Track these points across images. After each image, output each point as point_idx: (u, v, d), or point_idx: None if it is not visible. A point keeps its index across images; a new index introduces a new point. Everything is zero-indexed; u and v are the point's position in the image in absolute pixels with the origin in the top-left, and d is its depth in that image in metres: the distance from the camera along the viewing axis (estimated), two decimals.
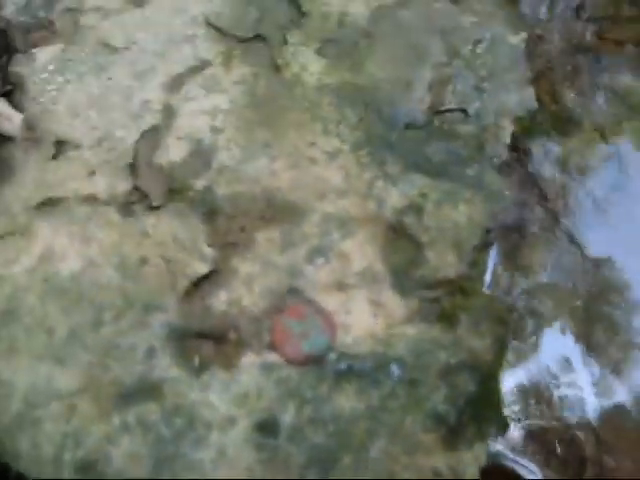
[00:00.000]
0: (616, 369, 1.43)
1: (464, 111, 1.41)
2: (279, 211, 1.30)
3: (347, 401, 1.20)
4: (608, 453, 1.39)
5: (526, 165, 1.62)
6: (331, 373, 1.21)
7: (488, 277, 1.40)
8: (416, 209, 1.29)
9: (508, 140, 1.39)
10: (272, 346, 1.22)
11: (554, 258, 1.55)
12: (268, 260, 1.27)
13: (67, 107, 1.42)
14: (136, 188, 1.34)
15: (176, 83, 1.42)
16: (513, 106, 1.43)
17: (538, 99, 1.61)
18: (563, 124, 1.65)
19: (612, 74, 1.72)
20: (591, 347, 1.42)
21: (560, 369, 1.41)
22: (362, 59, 1.43)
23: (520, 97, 1.43)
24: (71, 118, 1.41)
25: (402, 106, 1.39)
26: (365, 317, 1.24)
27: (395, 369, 1.21)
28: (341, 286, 1.25)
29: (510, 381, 1.36)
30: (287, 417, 1.19)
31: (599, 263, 1.53)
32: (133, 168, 1.36)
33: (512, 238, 1.56)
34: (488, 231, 1.30)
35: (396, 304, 1.25)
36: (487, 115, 1.41)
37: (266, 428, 1.19)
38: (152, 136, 1.38)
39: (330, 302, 1.25)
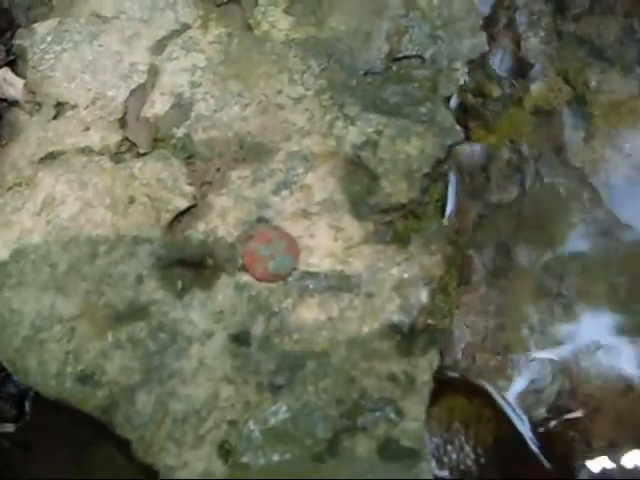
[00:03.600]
0: None
1: (420, 57, 1.52)
2: (250, 152, 1.43)
3: (310, 313, 1.33)
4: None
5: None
6: (296, 289, 1.34)
7: (449, 208, 1.52)
8: (372, 144, 1.40)
9: (461, 81, 1.50)
10: (244, 268, 1.35)
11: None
12: (240, 195, 1.40)
13: (64, 72, 1.57)
14: (126, 139, 1.48)
15: (160, 46, 1.55)
16: (466, 50, 1.53)
17: (504, 47, 1.73)
18: (526, 70, 1.74)
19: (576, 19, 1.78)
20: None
21: None
22: (325, 15, 1.54)
23: (473, 42, 1.53)
24: (68, 82, 1.56)
25: (362, 55, 1.51)
26: (326, 240, 1.36)
27: (353, 284, 1.33)
28: (305, 214, 1.38)
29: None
30: (258, 329, 1.33)
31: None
32: (123, 122, 1.50)
33: (478, 177, 1.67)
34: (440, 161, 1.40)
35: (354, 228, 1.37)
36: (441, 60, 1.52)
37: (240, 339, 1.33)
38: (139, 93, 1.52)
39: (295, 228, 1.37)
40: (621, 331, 1.55)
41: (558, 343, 1.54)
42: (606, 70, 1.76)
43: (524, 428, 1.43)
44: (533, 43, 1.80)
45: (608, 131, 1.70)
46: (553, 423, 1.46)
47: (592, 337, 1.53)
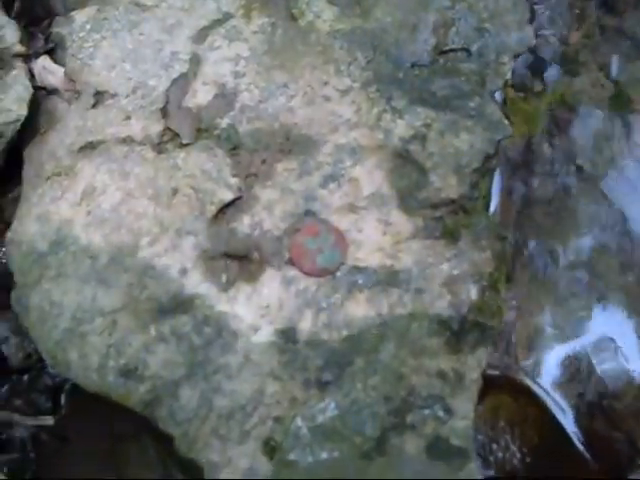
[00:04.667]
0: None
1: (467, 50, 1.50)
2: (296, 144, 1.41)
3: (359, 309, 1.31)
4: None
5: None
6: (344, 284, 1.32)
7: (494, 204, 1.50)
8: (420, 138, 1.38)
9: (508, 75, 1.48)
10: (291, 262, 1.33)
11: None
12: (286, 187, 1.38)
13: (103, 61, 1.55)
14: (168, 129, 1.46)
15: (202, 35, 1.53)
16: (513, 44, 1.51)
17: (547, 43, 1.71)
18: (569, 64, 1.71)
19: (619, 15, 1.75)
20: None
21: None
22: (370, 6, 1.53)
23: (520, 36, 1.51)
24: (107, 71, 1.54)
25: (408, 47, 1.49)
26: (374, 234, 1.34)
27: (402, 279, 1.31)
28: (352, 208, 1.36)
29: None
30: (305, 324, 1.31)
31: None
32: (165, 112, 1.48)
33: (520, 173, 1.64)
34: (489, 157, 1.38)
35: (403, 223, 1.35)
36: (488, 53, 1.50)
37: (287, 334, 1.31)
38: (181, 83, 1.50)
39: (342, 222, 1.35)
40: None
41: (601, 343, 1.51)
42: None
43: (570, 427, 1.41)
44: (576, 37, 1.76)
45: None
46: (599, 424, 1.43)
47: (633, 334, 1.51)
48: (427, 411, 1.27)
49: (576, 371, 1.50)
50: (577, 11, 1.79)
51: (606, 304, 1.53)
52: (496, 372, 1.47)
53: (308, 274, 1.32)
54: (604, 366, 1.50)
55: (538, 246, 1.59)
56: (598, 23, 1.79)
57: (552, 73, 1.73)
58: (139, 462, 1.49)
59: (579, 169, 1.66)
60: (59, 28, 1.60)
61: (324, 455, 1.24)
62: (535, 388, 1.45)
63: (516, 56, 1.52)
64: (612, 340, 1.51)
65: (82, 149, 1.48)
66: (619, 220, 1.62)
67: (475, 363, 1.30)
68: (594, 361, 1.50)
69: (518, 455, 1.38)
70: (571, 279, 1.57)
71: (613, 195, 1.63)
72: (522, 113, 1.69)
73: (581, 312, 1.53)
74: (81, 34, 1.59)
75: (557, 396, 1.45)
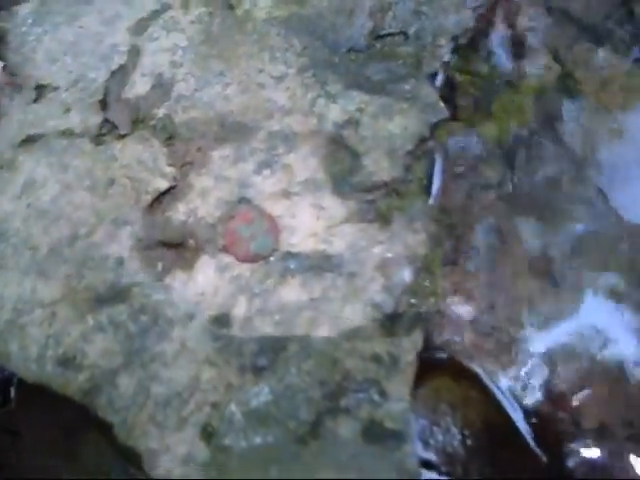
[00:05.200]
0: None
1: (404, 34, 1.50)
2: (231, 132, 1.41)
3: (292, 293, 1.31)
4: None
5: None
6: (277, 269, 1.32)
7: (435, 187, 1.49)
8: (354, 122, 1.39)
9: (446, 57, 1.47)
10: (225, 249, 1.34)
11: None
12: (221, 175, 1.39)
13: (45, 55, 1.56)
14: (106, 120, 1.47)
15: (140, 26, 1.55)
16: (451, 26, 1.51)
17: (492, 26, 1.71)
18: (517, 47, 1.71)
19: None
20: None
21: None
22: None
23: (457, 18, 1.51)
24: (49, 64, 1.55)
25: (344, 32, 1.49)
26: (308, 220, 1.34)
27: (335, 264, 1.31)
28: (286, 194, 1.36)
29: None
30: (239, 310, 1.31)
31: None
32: (104, 103, 1.49)
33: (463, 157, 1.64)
34: (423, 139, 1.38)
35: (336, 207, 1.35)
36: (425, 36, 1.50)
37: (221, 321, 1.31)
38: (120, 74, 1.51)
39: (276, 208, 1.35)
40: (613, 312, 1.52)
41: (548, 326, 1.51)
42: (595, 48, 1.72)
43: (513, 411, 1.41)
44: (523, 21, 1.76)
45: (598, 109, 1.67)
46: (543, 405, 1.43)
47: (583, 318, 1.50)
48: (362, 395, 1.27)
49: (525, 355, 1.48)
50: None
51: (560, 289, 1.52)
52: (442, 355, 1.46)
53: (242, 260, 1.33)
54: (553, 349, 1.49)
55: (488, 229, 1.58)
56: (545, 6, 1.78)
57: (499, 57, 1.71)
58: (90, 453, 1.49)
59: (528, 151, 1.64)
60: (2, 22, 1.61)
61: (258, 440, 1.24)
62: (479, 371, 1.43)
63: (454, 38, 1.49)
64: (562, 323, 1.50)
65: (23, 143, 1.49)
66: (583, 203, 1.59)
67: (410, 346, 1.30)
68: (543, 345, 1.49)
69: (459, 437, 1.37)
70: (521, 262, 1.56)
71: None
72: (468, 96, 1.68)
73: (534, 296, 1.52)
74: (23, 28, 1.60)
75: (502, 380, 1.43)
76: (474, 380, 1.42)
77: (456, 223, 1.54)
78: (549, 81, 1.70)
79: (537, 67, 1.70)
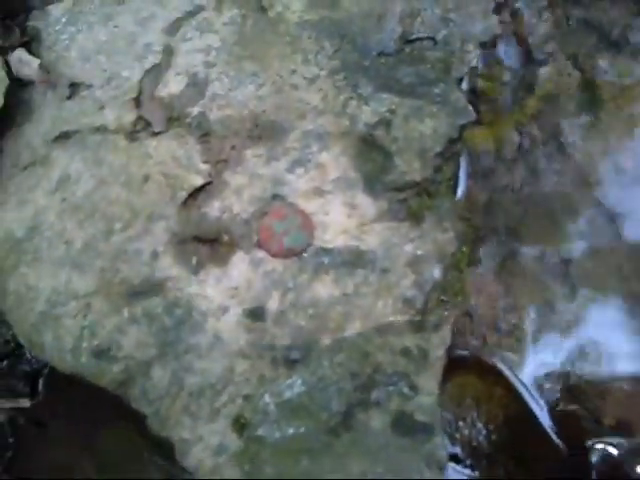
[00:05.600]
0: None
1: (432, 39, 1.53)
2: (264, 130, 1.44)
3: (325, 288, 1.34)
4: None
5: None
6: (311, 265, 1.36)
7: (461, 188, 1.53)
8: (385, 123, 1.42)
9: (474, 63, 1.51)
10: (259, 245, 1.37)
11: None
12: (255, 172, 1.42)
13: (79, 53, 1.58)
14: (140, 118, 1.49)
15: (174, 27, 1.57)
16: (478, 33, 1.55)
17: (515, 33, 1.74)
18: (537, 54, 1.75)
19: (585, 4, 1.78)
20: None
21: None
22: None
23: (484, 25, 1.55)
24: (82, 62, 1.57)
25: (374, 36, 1.52)
26: (340, 217, 1.38)
27: (367, 260, 1.34)
28: (319, 192, 1.39)
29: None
30: (272, 304, 1.34)
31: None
32: (138, 101, 1.51)
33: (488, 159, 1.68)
34: (452, 141, 1.41)
35: (368, 205, 1.38)
36: (454, 42, 1.53)
37: (255, 314, 1.34)
38: (154, 73, 1.53)
39: (309, 205, 1.39)
40: (630, 315, 1.55)
41: (567, 326, 1.54)
42: (615, 55, 1.75)
43: (536, 406, 1.44)
44: (543, 28, 1.79)
45: (617, 114, 1.70)
46: (564, 402, 1.46)
47: (601, 320, 1.54)
48: (392, 388, 1.30)
49: (546, 353, 1.51)
50: (544, 2, 1.80)
51: (576, 291, 1.55)
52: (465, 352, 1.49)
53: (275, 256, 1.36)
54: (572, 349, 1.52)
55: (507, 231, 1.61)
56: (565, 14, 1.81)
57: (520, 63, 1.74)
58: (115, 446, 1.51)
59: (548, 156, 1.67)
60: (35, 21, 1.64)
61: (291, 430, 1.27)
62: (502, 367, 1.46)
63: (482, 44, 1.53)
64: (581, 324, 1.53)
65: (57, 139, 1.52)
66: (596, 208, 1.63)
67: (439, 341, 1.33)
68: (562, 344, 1.52)
69: (484, 432, 1.41)
70: (537, 264, 1.59)
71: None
72: (490, 102, 1.71)
73: (549, 296, 1.54)
74: (57, 27, 1.62)
75: (524, 376, 1.46)
76: (498, 377, 1.45)
77: (479, 225, 1.57)
78: (569, 87, 1.71)
79: (557, 74, 1.72)
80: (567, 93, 1.71)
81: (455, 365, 1.41)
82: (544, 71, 1.73)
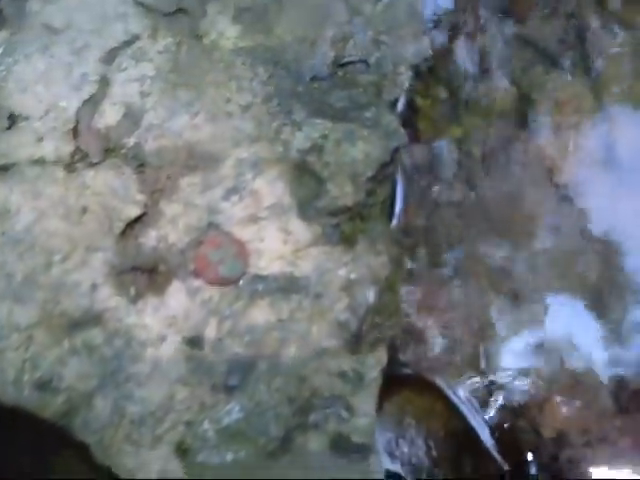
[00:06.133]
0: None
1: (365, 62, 1.55)
2: (200, 160, 1.45)
3: (261, 315, 1.36)
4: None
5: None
6: (246, 292, 1.37)
7: (397, 210, 1.56)
8: (318, 149, 1.44)
9: (406, 85, 1.54)
10: (195, 273, 1.38)
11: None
12: (190, 201, 1.42)
13: (16, 84, 1.57)
14: (78, 149, 1.50)
15: (110, 56, 1.57)
16: (409, 55, 1.57)
17: (450, 51, 1.77)
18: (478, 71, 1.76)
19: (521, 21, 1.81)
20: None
21: None
22: (272, 24, 1.57)
23: (417, 47, 1.57)
24: (20, 93, 1.57)
25: (307, 62, 1.53)
26: (275, 243, 1.39)
27: (302, 285, 1.36)
28: (254, 219, 1.40)
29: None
30: (210, 331, 1.36)
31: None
32: (75, 132, 1.51)
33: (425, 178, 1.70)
34: (385, 164, 1.44)
35: (302, 231, 1.40)
36: (386, 64, 1.55)
37: (193, 342, 1.35)
38: (91, 104, 1.53)
39: (244, 233, 1.39)
40: (572, 325, 1.57)
41: (510, 338, 1.57)
42: (550, 71, 1.79)
43: (475, 420, 1.47)
44: (481, 45, 1.82)
45: (553, 129, 1.74)
46: (505, 415, 1.49)
47: (543, 331, 1.57)
48: (329, 410, 1.33)
49: (488, 368, 1.54)
50: (480, 19, 1.83)
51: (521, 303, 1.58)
52: (406, 370, 1.52)
53: (212, 284, 1.37)
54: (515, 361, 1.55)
55: (448, 247, 1.64)
56: (500, 31, 1.84)
57: (458, 80, 1.77)
58: (61, 477, 1.52)
59: (488, 171, 1.70)
60: None
61: (230, 456, 1.29)
62: (441, 384, 1.49)
63: (413, 66, 1.55)
64: (524, 336, 1.56)
65: None
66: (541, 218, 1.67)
67: (375, 362, 1.36)
68: (505, 357, 1.55)
69: (424, 448, 1.44)
70: (482, 277, 1.62)
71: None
72: (429, 120, 1.74)
73: (497, 311, 1.57)
74: None
75: (464, 392, 1.49)
76: (437, 393, 1.47)
77: (419, 242, 1.60)
78: (506, 103, 1.74)
79: (494, 89, 1.75)
80: (505, 108, 1.73)
81: (394, 383, 1.43)
82: (482, 87, 1.74)
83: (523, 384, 1.53)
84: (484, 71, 1.79)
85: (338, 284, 1.37)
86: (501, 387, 1.52)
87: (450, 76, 1.78)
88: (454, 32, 1.80)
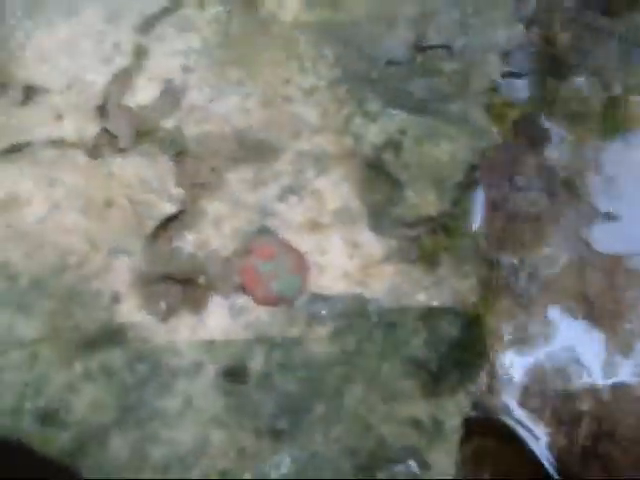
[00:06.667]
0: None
1: (449, 47, 1.38)
2: (251, 150, 1.30)
3: (320, 345, 1.20)
4: (607, 410, 1.33)
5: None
6: (303, 315, 1.21)
7: (478, 219, 1.35)
8: (395, 145, 1.28)
9: (496, 75, 1.34)
10: (241, 288, 1.23)
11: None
12: (238, 200, 1.27)
13: (35, 52, 1.39)
14: (105, 130, 1.32)
15: (148, 24, 1.39)
16: (501, 42, 1.39)
17: (532, 42, 1.57)
18: (558, 67, 1.59)
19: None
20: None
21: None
22: None
23: (509, 33, 1.39)
24: (40, 63, 1.39)
25: (383, 43, 1.37)
26: (340, 257, 1.24)
27: (372, 311, 1.18)
28: (315, 225, 1.26)
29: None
30: (256, 363, 1.20)
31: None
32: (102, 111, 1.34)
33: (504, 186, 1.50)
34: (474, 168, 1.26)
35: (373, 244, 1.25)
36: (473, 51, 1.39)
37: (234, 374, 1.20)
38: (123, 78, 1.36)
39: (303, 242, 1.25)
40: None
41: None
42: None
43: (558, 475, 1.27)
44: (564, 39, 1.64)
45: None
46: (594, 471, 1.31)
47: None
48: (400, 466, 1.16)
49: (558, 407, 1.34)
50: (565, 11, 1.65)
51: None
52: (486, 414, 1.32)
53: (261, 303, 1.21)
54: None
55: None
56: (589, 25, 1.66)
57: (538, 77, 1.59)
58: None
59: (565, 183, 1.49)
60: None
61: None
62: (521, 431, 1.28)
63: (504, 55, 1.36)
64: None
65: (4, 152, 1.32)
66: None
67: (455, 408, 1.20)
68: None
69: None
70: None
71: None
72: (506, 120, 1.55)
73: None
74: (11, 22, 1.43)
75: (544, 439, 1.28)
76: (520, 446, 1.29)
77: (497, 260, 1.39)
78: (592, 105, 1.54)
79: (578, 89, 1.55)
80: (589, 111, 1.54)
81: (473, 429, 1.26)
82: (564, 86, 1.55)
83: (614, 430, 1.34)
84: (569, 68, 1.58)
85: (416, 312, 1.21)
86: (590, 435, 1.30)
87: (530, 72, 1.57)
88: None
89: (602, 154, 1.57)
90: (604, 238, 1.45)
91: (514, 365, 1.30)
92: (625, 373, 1.35)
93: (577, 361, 1.35)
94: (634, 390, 1.35)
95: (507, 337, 1.32)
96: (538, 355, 1.33)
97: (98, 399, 1.17)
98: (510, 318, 1.32)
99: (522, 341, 1.33)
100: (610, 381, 1.37)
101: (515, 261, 1.43)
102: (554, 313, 1.40)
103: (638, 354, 1.37)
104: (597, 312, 1.40)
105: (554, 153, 1.54)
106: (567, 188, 1.52)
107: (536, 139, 1.58)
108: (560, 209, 1.51)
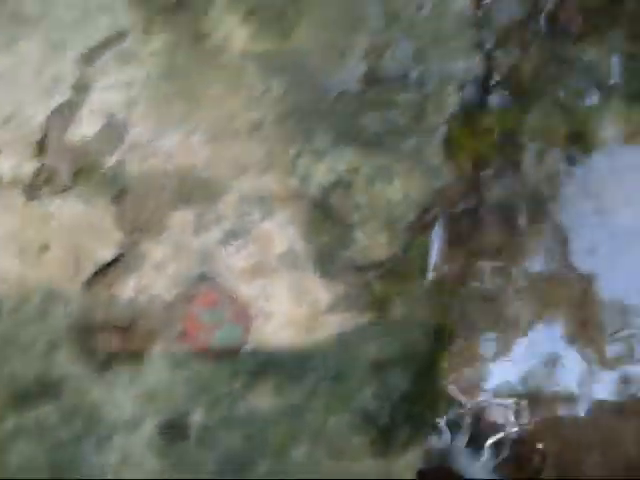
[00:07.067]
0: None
1: (404, 78, 1.34)
2: (194, 190, 1.27)
3: (264, 399, 1.18)
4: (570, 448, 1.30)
5: None
6: (246, 367, 1.19)
7: (432, 260, 1.30)
8: (345, 185, 1.25)
9: (454, 108, 1.29)
10: (183, 338, 1.20)
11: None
12: (181, 244, 1.24)
13: None
14: (43, 168, 1.29)
15: (90, 56, 1.35)
16: (459, 73, 1.34)
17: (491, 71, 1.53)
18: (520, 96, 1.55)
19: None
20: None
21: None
22: (291, 25, 1.34)
23: (467, 64, 1.35)
24: None
25: (334, 75, 1.33)
26: (286, 304, 1.21)
27: (319, 362, 1.13)
28: (260, 270, 1.23)
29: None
30: (197, 417, 1.18)
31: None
32: (41, 147, 1.31)
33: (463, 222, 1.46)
34: (427, 209, 1.21)
35: (321, 290, 1.22)
36: (429, 83, 1.34)
37: (175, 429, 1.18)
38: (63, 113, 1.32)
39: (247, 288, 1.23)
40: None
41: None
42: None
43: None
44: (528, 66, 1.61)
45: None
46: None
47: None
48: None
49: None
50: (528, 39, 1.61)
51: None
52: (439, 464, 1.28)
53: (203, 353, 1.18)
54: None
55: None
56: (553, 52, 1.63)
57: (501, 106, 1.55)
58: None
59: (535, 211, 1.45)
60: None
61: None
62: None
63: (461, 87, 1.31)
64: None
65: None
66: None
67: (405, 466, 1.18)
68: None
69: None
70: None
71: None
72: (468, 151, 1.50)
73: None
74: None
75: None
76: None
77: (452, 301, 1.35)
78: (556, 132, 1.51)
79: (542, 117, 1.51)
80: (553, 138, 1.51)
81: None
82: (529, 116, 1.52)
83: None
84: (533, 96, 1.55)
85: (365, 363, 1.18)
86: None
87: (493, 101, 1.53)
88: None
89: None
90: None
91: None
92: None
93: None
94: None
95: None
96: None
97: (30, 456, 1.16)
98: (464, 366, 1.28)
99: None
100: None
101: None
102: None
103: None
104: None
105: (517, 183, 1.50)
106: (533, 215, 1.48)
107: (500, 168, 1.54)
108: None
